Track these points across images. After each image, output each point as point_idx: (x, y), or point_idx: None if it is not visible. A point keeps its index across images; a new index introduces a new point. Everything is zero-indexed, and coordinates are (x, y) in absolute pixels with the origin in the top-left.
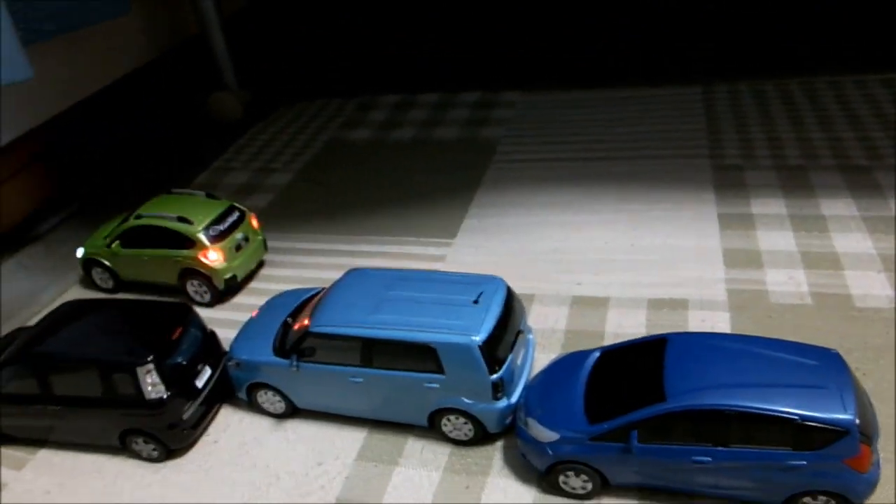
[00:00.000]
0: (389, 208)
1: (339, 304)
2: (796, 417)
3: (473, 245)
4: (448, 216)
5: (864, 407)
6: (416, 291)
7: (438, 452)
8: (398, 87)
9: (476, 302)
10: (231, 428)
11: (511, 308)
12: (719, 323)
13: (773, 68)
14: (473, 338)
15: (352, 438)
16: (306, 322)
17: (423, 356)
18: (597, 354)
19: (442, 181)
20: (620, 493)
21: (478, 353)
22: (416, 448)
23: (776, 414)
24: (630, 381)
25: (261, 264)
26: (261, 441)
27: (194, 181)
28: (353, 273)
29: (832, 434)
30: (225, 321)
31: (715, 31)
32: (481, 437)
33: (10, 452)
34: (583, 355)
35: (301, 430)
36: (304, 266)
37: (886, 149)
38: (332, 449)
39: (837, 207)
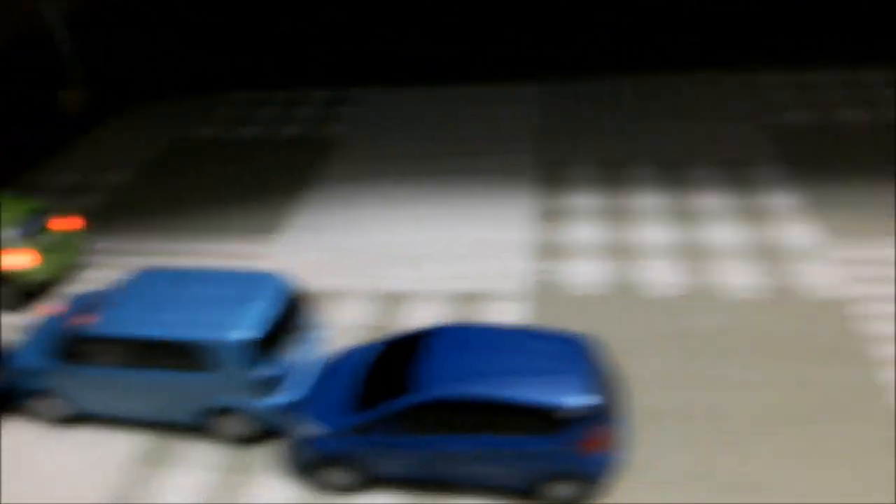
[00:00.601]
0: (221, 207)
1: (118, 306)
2: (532, 403)
3: (297, 242)
4: (278, 213)
5: (602, 390)
6: (191, 290)
7: (216, 453)
8: (250, 84)
9: (247, 298)
10: (8, 435)
11: (289, 304)
12: (519, 314)
13: (609, 67)
14: (235, 333)
15: (130, 442)
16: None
17: (189, 355)
18: (368, 350)
19: (278, 178)
20: (390, 486)
21: (242, 349)
22: (193, 449)
23: (514, 401)
24: (389, 375)
25: (78, 266)
26: (37, 447)
27: (25, 178)
28: (141, 273)
29: (567, 418)
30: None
31: (554, 29)
32: (259, 435)
33: None
34: (356, 350)
35: (80, 436)
36: (128, 267)
37: (703, 145)
38: (109, 453)
39: (646, 200)
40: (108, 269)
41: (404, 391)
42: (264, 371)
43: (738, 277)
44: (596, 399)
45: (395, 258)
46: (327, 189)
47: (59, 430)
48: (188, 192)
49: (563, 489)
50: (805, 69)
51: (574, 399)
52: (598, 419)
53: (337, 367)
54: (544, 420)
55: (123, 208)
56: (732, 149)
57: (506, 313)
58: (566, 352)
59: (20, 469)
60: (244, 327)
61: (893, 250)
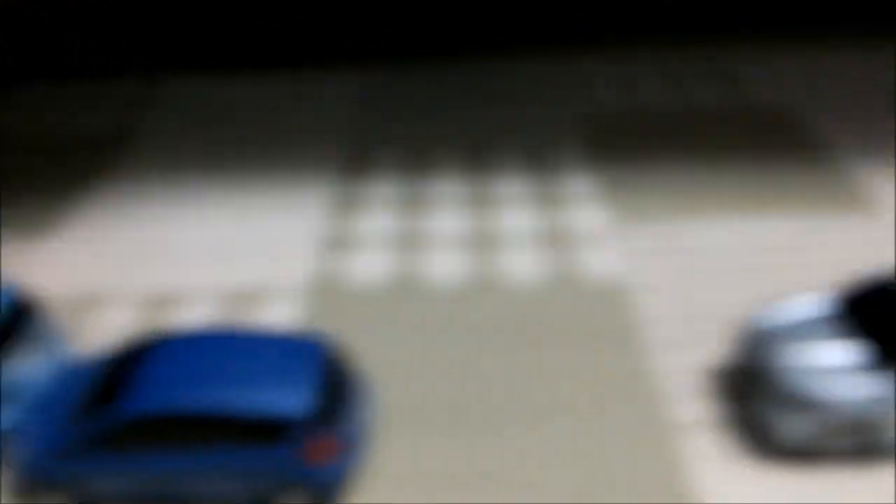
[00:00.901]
0: None
1: None
2: (248, 414)
3: (65, 243)
4: (50, 212)
5: (331, 395)
6: None
7: None
8: (52, 74)
9: None
10: None
11: (17, 311)
12: (291, 313)
13: (430, 55)
14: None
15: None
16: None
17: None
18: (94, 364)
19: (64, 175)
20: None
21: None
22: None
23: (227, 412)
24: (104, 390)
25: None
26: None
27: None
28: None
29: (287, 427)
30: None
31: (375, 16)
32: None
33: None
34: (84, 364)
35: None
36: None
37: (512, 131)
38: None
39: (446, 187)
40: None
41: (113, 408)
42: None
43: (524, 266)
44: (320, 405)
45: (169, 258)
46: (116, 187)
47: None
48: None
49: (293, 500)
50: (623, 54)
51: (294, 407)
52: (324, 426)
53: (58, 384)
54: (263, 430)
55: None
56: (541, 134)
57: (280, 312)
58: (296, 357)
59: None
60: None
61: (678, 235)
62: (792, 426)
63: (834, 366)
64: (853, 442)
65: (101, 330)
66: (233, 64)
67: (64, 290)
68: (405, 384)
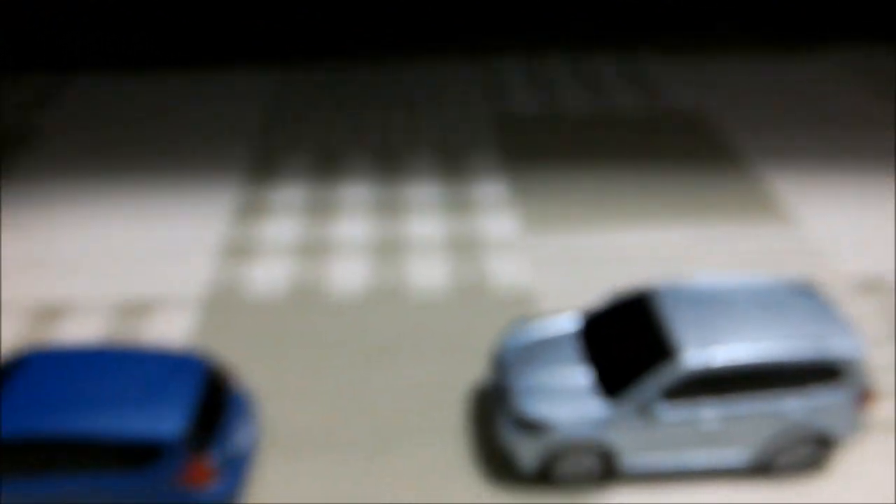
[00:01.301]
0: None
1: None
2: (113, 436)
3: None
4: None
5: (208, 414)
6: None
7: None
8: None
9: None
10: None
11: None
12: (185, 323)
13: (344, 55)
14: None
15: None
16: None
17: None
18: None
19: None
20: None
21: None
22: None
23: (91, 435)
24: None
25: None
26: None
27: None
28: None
29: (153, 450)
30: None
31: (291, 14)
32: None
33: None
34: None
35: None
36: None
37: (426, 134)
38: None
39: (355, 192)
40: None
41: None
42: None
43: (431, 273)
44: (196, 427)
45: (65, 264)
46: (9, 187)
47: None
48: None
49: None
50: (537, 56)
51: (166, 429)
52: (199, 448)
53: None
54: (134, 454)
55: None
56: (454, 138)
57: (172, 324)
58: (173, 375)
59: None
60: None
61: (586, 243)
62: (522, 448)
63: (561, 388)
64: (592, 465)
65: None
66: (136, 62)
67: None
68: (294, 402)
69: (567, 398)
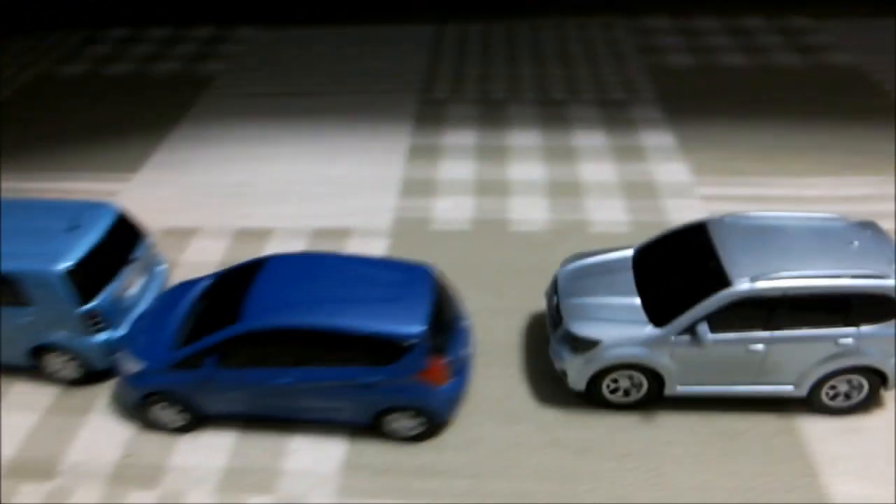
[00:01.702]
0: (76, 144)
1: None
2: (363, 332)
3: (154, 180)
4: (135, 151)
5: (443, 321)
6: (13, 220)
7: (44, 394)
8: (127, 20)
9: (73, 228)
10: None
11: (119, 235)
12: (376, 249)
13: (501, 10)
14: (57, 264)
15: None
16: None
17: (7, 288)
18: (201, 283)
19: (145, 117)
20: (225, 424)
21: (62, 281)
22: (20, 390)
23: (344, 330)
24: (215, 307)
25: None
26: None
27: None
28: None
29: (399, 348)
30: None
31: None
32: (92, 375)
33: None
34: (190, 284)
35: None
36: None
37: (585, 85)
38: None
39: (523, 139)
40: None
41: (227, 322)
42: (90, 305)
43: (608, 213)
44: (435, 329)
45: (256, 195)
46: (196, 128)
47: None
48: (48, 131)
49: (405, 422)
50: (690, 14)
51: (412, 328)
52: (437, 350)
53: (165, 302)
54: (380, 350)
55: None
56: (613, 90)
57: (364, 249)
58: (407, 281)
59: None
60: (66, 257)
61: (752, 189)
62: (571, 365)
63: (611, 310)
64: (639, 387)
65: (195, 259)
66: (305, 17)
67: (154, 224)
68: (493, 321)
69: (616, 319)
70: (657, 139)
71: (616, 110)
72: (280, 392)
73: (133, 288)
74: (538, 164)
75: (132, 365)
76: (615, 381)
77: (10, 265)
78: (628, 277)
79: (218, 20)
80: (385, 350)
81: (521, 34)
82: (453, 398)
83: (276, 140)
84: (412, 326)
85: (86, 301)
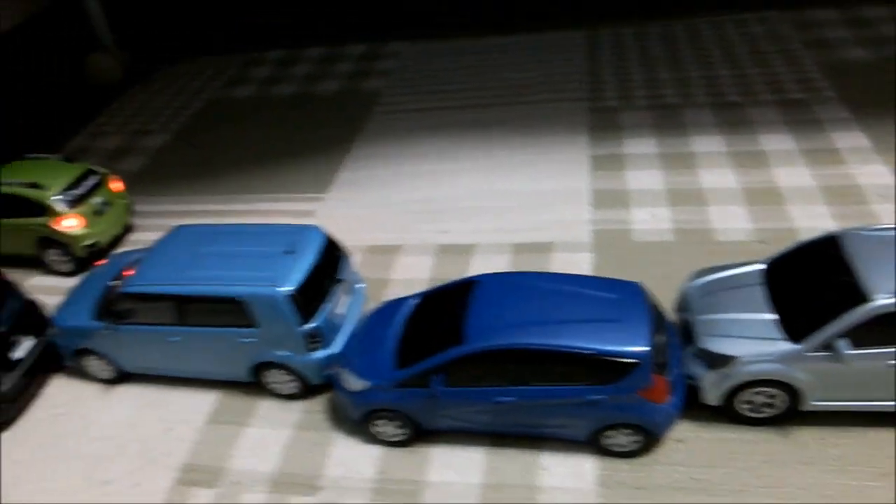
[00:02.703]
0: (264, 166)
1: (155, 263)
2: (589, 352)
3: (345, 198)
4: (322, 170)
5: (659, 337)
6: (231, 245)
7: (291, 410)
8: (283, 42)
9: (289, 252)
10: (73, 399)
11: (329, 256)
12: (581, 263)
13: (656, 10)
14: (282, 288)
15: (202, 401)
16: (117, 283)
17: (234, 310)
18: (412, 301)
19: (320, 136)
20: (445, 437)
21: (287, 303)
22: (265, 408)
23: (570, 349)
24: (435, 326)
25: (128, 229)
26: (95, 405)
27: (67, 145)
28: (180, 230)
29: (624, 366)
30: None
31: None
32: (308, 390)
33: None
34: (400, 302)
35: (148, 396)
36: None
37: (759, 85)
38: (181, 412)
39: (707, 144)
40: (152, 231)
41: (451, 342)
42: (310, 325)
43: (815, 220)
44: (652, 346)
45: (448, 211)
46: (369, 145)
47: (111, 389)
48: (229, 152)
49: (623, 439)
50: (854, 3)
51: (637, 346)
52: (660, 368)
53: (378, 320)
54: (606, 368)
55: (165, 170)
56: (790, 89)
57: (568, 264)
58: (622, 299)
59: (86, 426)
60: (289, 280)
61: None
62: (706, 381)
63: (744, 324)
64: (775, 402)
65: (403, 276)
66: (453, 28)
67: (354, 242)
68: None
69: (751, 335)
70: (850, 140)
71: (799, 111)
72: (503, 409)
73: (341, 307)
74: (728, 170)
75: (354, 382)
76: (756, 395)
77: (239, 289)
78: (761, 292)
79: (368, 37)
80: (611, 368)
81: (678, 35)
82: (673, 414)
83: (452, 155)
84: (637, 345)
85: (306, 321)
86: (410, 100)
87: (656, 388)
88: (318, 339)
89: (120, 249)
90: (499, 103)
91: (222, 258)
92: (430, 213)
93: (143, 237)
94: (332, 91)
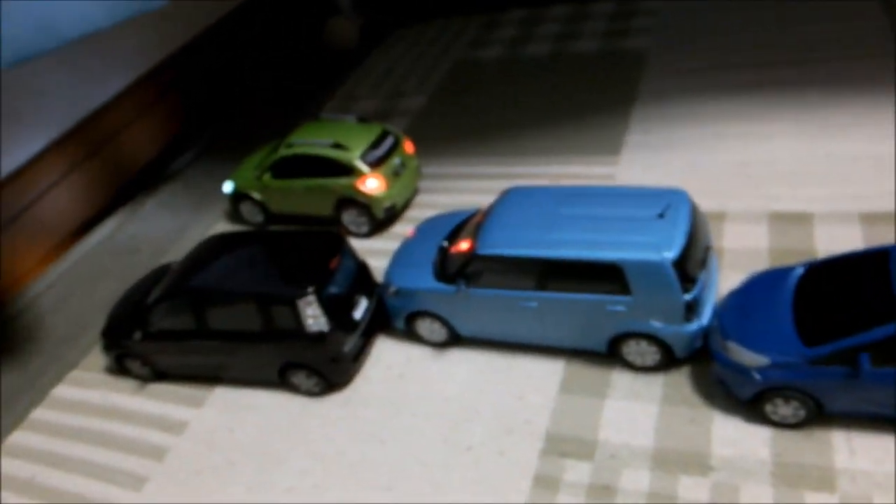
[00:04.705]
0: (539, 128)
1: (506, 225)
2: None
3: (643, 162)
4: (606, 133)
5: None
6: (592, 207)
7: (651, 383)
8: (521, 1)
9: (661, 216)
10: (406, 360)
11: (697, 222)
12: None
13: None
14: (665, 254)
15: (548, 370)
16: (469, 244)
17: (607, 276)
18: (801, 271)
19: (591, 97)
20: (843, 422)
21: (671, 271)
22: (622, 379)
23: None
24: (852, 299)
25: (416, 191)
26: (448, 374)
27: (323, 110)
28: (513, 192)
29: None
30: (381, 251)
31: None
32: (666, 363)
33: (187, 391)
34: (783, 272)
35: (484, 361)
36: (461, 191)
37: None
38: (530, 380)
39: None
40: (439, 193)
41: (882, 319)
42: (689, 294)
43: None
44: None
45: (768, 176)
46: (657, 106)
47: (442, 352)
48: (490, 114)
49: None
50: None
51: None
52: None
53: (755, 290)
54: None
55: (431, 131)
56: None
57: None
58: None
59: (429, 387)
60: (672, 246)
61: None
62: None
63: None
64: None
65: (739, 245)
66: None
67: None
68: None
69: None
70: None
71: None
72: None
73: (707, 276)
74: None
75: (749, 357)
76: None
77: (618, 254)
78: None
79: None
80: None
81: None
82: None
83: (751, 115)
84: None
85: (686, 290)
86: (684, 59)
87: None
88: (695, 309)
89: (413, 212)
90: (788, 61)
91: (586, 221)
92: (749, 177)
93: (431, 199)
94: (592, 51)
